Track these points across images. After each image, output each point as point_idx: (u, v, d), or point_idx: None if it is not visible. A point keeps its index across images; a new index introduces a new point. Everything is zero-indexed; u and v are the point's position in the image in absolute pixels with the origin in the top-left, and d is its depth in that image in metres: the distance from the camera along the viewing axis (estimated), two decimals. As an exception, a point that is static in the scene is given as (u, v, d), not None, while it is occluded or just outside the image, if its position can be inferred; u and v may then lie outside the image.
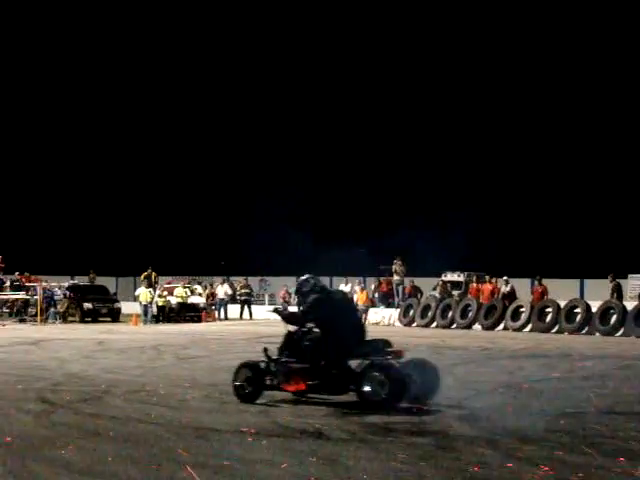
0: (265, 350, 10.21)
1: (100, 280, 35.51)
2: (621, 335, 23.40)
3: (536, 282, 28.03)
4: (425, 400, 9.61)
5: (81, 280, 35.02)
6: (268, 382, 10.00)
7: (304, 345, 9.95)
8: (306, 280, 10.42)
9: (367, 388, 9.37)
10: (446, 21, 44.00)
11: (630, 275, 30.57)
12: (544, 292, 27.08)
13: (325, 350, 9.75)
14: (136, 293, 31.61)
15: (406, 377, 9.44)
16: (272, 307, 10.85)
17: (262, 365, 10.12)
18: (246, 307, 32.82)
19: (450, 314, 27.69)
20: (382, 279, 32.14)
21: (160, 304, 30.28)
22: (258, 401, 9.89)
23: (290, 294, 33.64)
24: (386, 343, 10.00)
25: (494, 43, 42.64)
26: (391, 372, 9.43)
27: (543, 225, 39.96)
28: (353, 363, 9.82)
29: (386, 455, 6.94)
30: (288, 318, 10.55)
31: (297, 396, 9.98)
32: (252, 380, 9.96)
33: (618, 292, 25.92)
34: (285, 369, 9.94)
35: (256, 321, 30.97)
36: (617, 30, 40.43)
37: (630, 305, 24.65)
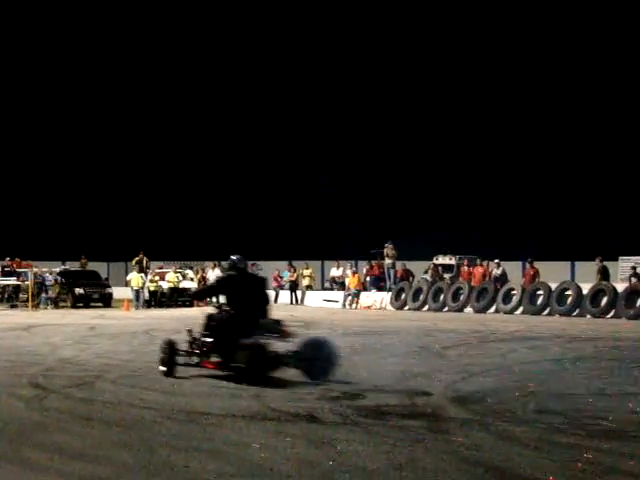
0: (189, 331, 11.05)
1: (92, 265, 35.46)
2: (612, 317, 23.53)
3: (528, 265, 28.12)
4: (323, 376, 10.18)
5: (72, 265, 34.95)
6: (192, 360, 10.78)
7: (211, 325, 10.77)
8: (230, 260, 11.20)
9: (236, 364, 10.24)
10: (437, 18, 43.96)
11: (620, 257, 30.70)
12: (536, 274, 27.17)
13: (223, 329, 10.54)
14: (127, 278, 31.58)
15: (262, 352, 10.11)
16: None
17: (184, 344, 10.92)
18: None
19: (442, 297, 27.77)
20: (374, 263, 32.18)
21: (152, 289, 30.26)
22: (250, 385, 9.91)
23: (282, 277, 33.68)
24: (276, 322, 10.78)
25: (483, 34, 42.63)
26: (254, 349, 10.13)
27: (534, 208, 40.04)
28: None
29: (378, 438, 6.96)
30: (196, 294, 11.36)
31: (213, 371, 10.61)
32: (171, 357, 10.74)
33: (604, 274, 26.07)
34: (201, 347, 10.73)
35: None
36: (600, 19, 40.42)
37: (621, 287, 24.78)
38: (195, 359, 10.74)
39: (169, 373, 10.66)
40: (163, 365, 10.84)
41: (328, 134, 44.68)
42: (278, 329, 10.63)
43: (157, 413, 8.07)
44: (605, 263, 26.70)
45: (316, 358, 10.31)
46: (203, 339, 10.73)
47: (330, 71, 45.05)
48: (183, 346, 10.94)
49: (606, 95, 39.77)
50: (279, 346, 10.53)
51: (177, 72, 47.29)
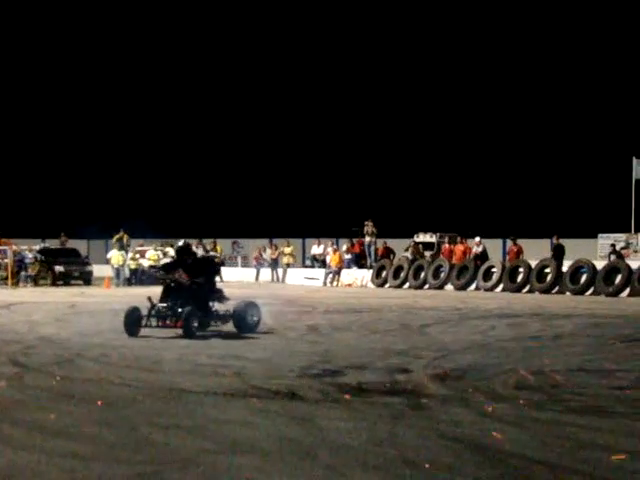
0: (149, 298, 13.14)
1: (72, 243, 35.25)
2: (591, 294, 23.73)
3: (510, 242, 28.30)
4: (253, 328, 13.57)
5: (52, 243, 34.72)
6: (151, 323, 12.95)
7: (179, 293, 13.20)
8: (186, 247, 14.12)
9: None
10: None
11: (600, 234, 30.92)
12: (519, 252, 27.35)
13: (193, 296, 13.13)
14: (108, 256, 31.45)
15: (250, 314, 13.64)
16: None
17: (144, 310, 13.07)
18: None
19: (422, 275, 27.88)
20: (354, 240, 32.23)
21: (132, 267, 30.15)
22: (232, 362, 9.95)
23: (261, 255, 33.67)
24: (221, 291, 13.82)
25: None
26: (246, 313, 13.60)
27: (514, 185, 40.19)
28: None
29: (359, 415, 6.99)
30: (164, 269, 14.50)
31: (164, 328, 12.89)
32: (135, 320, 13.00)
33: (558, 253, 26.45)
34: (160, 312, 13.02)
35: (230, 283, 31.00)
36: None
37: (600, 264, 24.98)
38: (153, 322, 12.96)
39: (132, 333, 12.82)
40: (127, 328, 12.93)
41: (309, 110, 44.53)
42: (220, 296, 13.68)
43: (138, 391, 8.07)
44: (583, 240, 27.04)
45: (246, 317, 13.54)
46: (162, 304, 13.14)
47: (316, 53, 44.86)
48: (144, 311, 13.04)
49: (585, 69, 39.86)
50: (219, 307, 13.66)
51: (163, 54, 46.91)
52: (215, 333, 13.33)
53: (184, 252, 13.90)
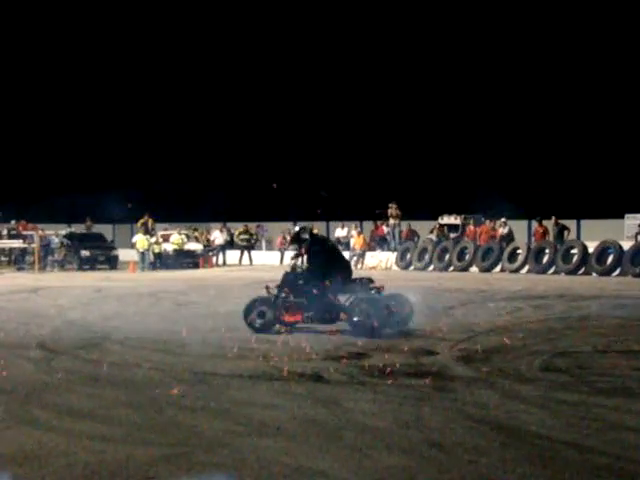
0: (267, 288, 11.76)
1: (97, 228, 35.46)
2: (617, 275, 23.54)
3: (536, 223, 28.14)
4: (403, 327, 11.30)
5: (78, 228, 34.95)
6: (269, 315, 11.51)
7: (301, 283, 11.57)
8: (303, 229, 12.27)
9: (356, 318, 11.01)
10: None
11: (626, 215, 30.61)
12: (545, 232, 27.20)
13: (319, 287, 11.41)
14: (133, 240, 31.63)
15: (387, 307, 11.14)
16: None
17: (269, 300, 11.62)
18: (246, 253, 32.93)
19: (447, 257, 27.79)
20: (379, 223, 32.16)
21: (156, 251, 30.32)
22: (257, 345, 10.00)
23: (287, 240, 33.71)
24: (369, 280, 11.78)
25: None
26: (376, 304, 11.10)
27: (540, 166, 39.86)
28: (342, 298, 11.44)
29: (384, 397, 7.00)
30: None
31: (290, 326, 11.52)
32: (264, 313, 11.50)
33: (560, 235, 26.45)
34: (284, 303, 11.50)
35: (255, 266, 31.09)
36: None
37: (627, 245, 24.76)
38: (276, 314, 11.48)
39: (261, 329, 11.36)
40: (255, 322, 11.47)
41: (331, 90, 44.36)
42: (372, 286, 11.64)
43: (164, 374, 8.13)
44: (606, 221, 26.97)
45: (400, 310, 11.36)
46: (285, 295, 11.57)
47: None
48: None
49: (608, 51, 39.37)
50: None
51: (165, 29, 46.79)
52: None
53: (299, 236, 12.08)
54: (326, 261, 11.64)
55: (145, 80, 46.80)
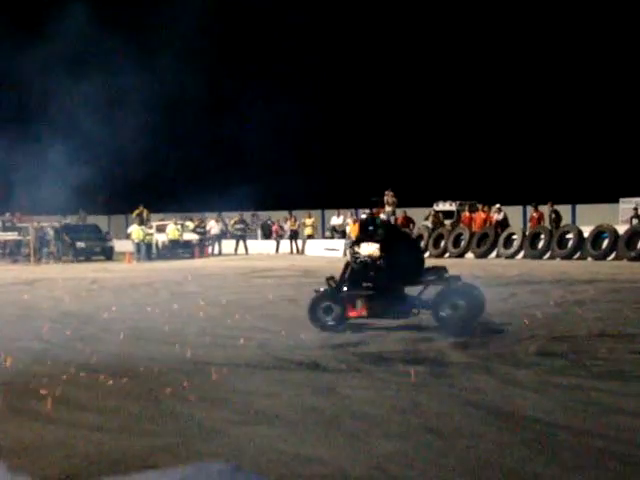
0: (329, 279, 10.77)
1: (92, 219, 35.43)
2: (613, 259, 23.58)
3: (532, 209, 28.19)
4: (475, 321, 10.23)
5: (73, 220, 34.90)
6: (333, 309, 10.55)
7: (369, 274, 10.55)
8: (372, 217, 11.37)
9: (444, 312, 10.19)
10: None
11: (621, 199, 30.65)
12: (541, 218, 27.24)
13: (389, 278, 10.45)
14: (128, 231, 31.60)
15: (481, 300, 10.29)
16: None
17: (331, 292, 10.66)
18: (241, 242, 32.93)
19: (443, 243, 27.81)
20: (374, 210, 32.16)
21: (152, 242, 30.29)
22: (255, 335, 10.01)
23: (282, 227, 33.68)
24: (444, 269, 10.75)
25: None
26: (469, 296, 10.28)
27: (535, 151, 39.87)
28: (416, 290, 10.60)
29: (382, 384, 7.03)
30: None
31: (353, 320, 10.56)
32: (331, 309, 10.54)
33: (556, 220, 26.57)
34: (349, 296, 10.52)
35: (251, 256, 31.09)
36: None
37: (621, 229, 24.80)
38: (339, 308, 10.56)
39: (323, 326, 10.45)
40: (313, 317, 10.60)
41: (326, 78, 44.22)
42: (448, 275, 10.68)
43: (162, 364, 8.14)
44: (601, 205, 27.06)
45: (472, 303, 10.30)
46: (350, 287, 10.61)
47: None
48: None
49: (603, 40, 39.33)
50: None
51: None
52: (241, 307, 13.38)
53: (370, 224, 11.09)
54: (409, 257, 10.66)
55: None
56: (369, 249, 10.73)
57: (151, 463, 4.95)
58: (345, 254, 30.57)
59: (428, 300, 10.45)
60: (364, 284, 10.51)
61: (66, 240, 29.91)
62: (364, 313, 10.44)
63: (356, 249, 10.94)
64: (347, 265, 10.87)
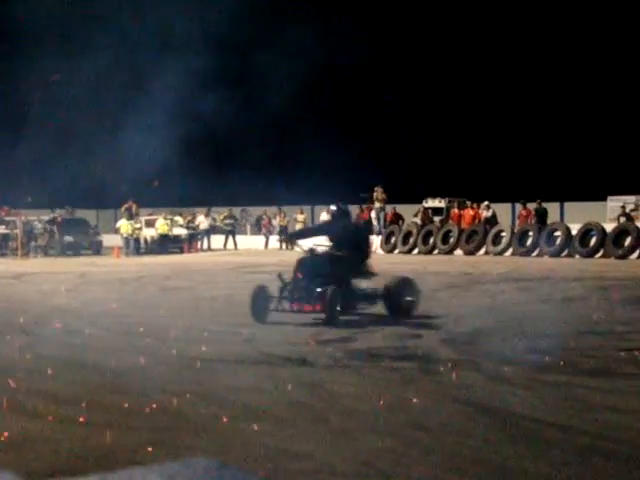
0: (280, 275, 10.78)
1: (81, 213, 35.25)
2: (601, 257, 23.68)
3: (521, 206, 28.28)
4: (410, 311, 10.88)
5: (61, 214, 34.70)
6: (284, 307, 10.56)
7: (321, 268, 10.54)
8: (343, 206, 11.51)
9: (394, 302, 10.76)
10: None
11: (609, 197, 30.78)
12: (529, 215, 27.33)
13: (339, 272, 10.58)
14: (117, 225, 31.51)
15: (418, 290, 11.05)
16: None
17: (274, 289, 10.72)
18: (230, 237, 32.88)
19: (432, 240, 27.85)
20: (364, 207, 32.18)
21: (142, 236, 30.22)
22: (242, 330, 9.99)
23: (271, 223, 33.65)
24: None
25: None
26: (411, 287, 11.01)
27: (523, 149, 39.94)
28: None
29: (370, 380, 7.03)
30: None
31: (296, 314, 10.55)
32: (264, 303, 10.60)
33: (541, 217, 26.70)
34: (301, 290, 10.50)
35: (240, 251, 31.06)
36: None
37: (609, 227, 24.91)
38: (286, 305, 10.55)
39: (260, 319, 10.47)
40: (255, 312, 10.58)
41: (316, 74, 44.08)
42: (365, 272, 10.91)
43: (149, 359, 8.11)
44: (589, 203, 27.20)
45: (401, 297, 10.82)
46: (303, 282, 10.53)
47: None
48: (274, 292, 10.70)
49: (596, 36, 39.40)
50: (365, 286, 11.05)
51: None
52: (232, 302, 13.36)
53: (340, 215, 11.20)
54: (357, 250, 10.81)
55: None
56: (314, 242, 10.96)
57: (138, 459, 4.93)
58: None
59: (377, 292, 10.81)
60: (317, 278, 10.44)
61: (58, 234, 29.77)
62: (319, 308, 10.32)
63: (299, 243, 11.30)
64: (300, 260, 10.83)
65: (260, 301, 10.58)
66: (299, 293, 10.45)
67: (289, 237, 11.28)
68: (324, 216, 33.19)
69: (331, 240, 10.94)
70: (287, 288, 10.58)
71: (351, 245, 10.76)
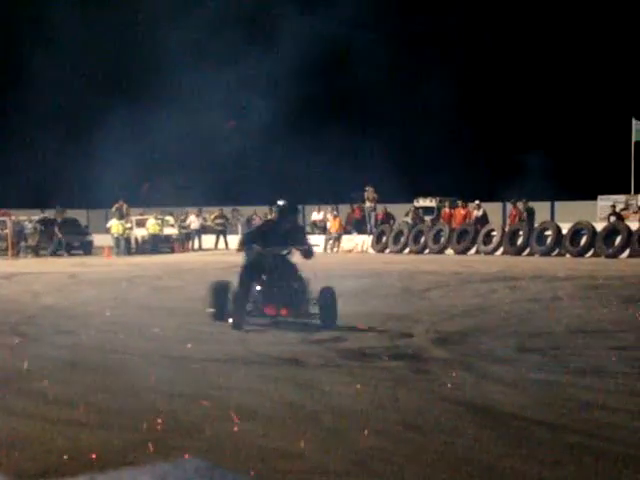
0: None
1: (71, 213, 35.13)
2: (591, 256, 23.76)
3: (511, 205, 28.37)
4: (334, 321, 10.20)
5: (51, 214, 34.59)
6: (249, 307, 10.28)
7: (264, 269, 10.33)
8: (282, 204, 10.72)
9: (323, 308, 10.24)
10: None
11: (599, 196, 30.87)
12: (520, 215, 27.42)
13: (281, 273, 10.27)
14: (107, 225, 31.44)
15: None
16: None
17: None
18: (221, 237, 32.84)
19: (422, 240, 27.90)
20: (355, 206, 32.21)
21: (132, 236, 30.16)
22: (233, 330, 9.98)
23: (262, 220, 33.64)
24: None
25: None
26: (333, 294, 10.32)
27: (513, 148, 40.01)
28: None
29: (361, 380, 7.03)
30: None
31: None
32: (222, 301, 10.42)
33: (529, 217, 26.85)
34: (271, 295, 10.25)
35: (231, 251, 31.02)
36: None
37: (599, 226, 25.00)
38: (254, 306, 10.29)
39: (220, 317, 10.36)
40: (213, 308, 10.49)
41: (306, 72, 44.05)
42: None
43: (141, 359, 8.11)
44: (579, 202, 27.34)
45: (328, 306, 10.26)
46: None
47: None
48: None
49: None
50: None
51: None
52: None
53: (288, 213, 10.73)
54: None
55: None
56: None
57: (129, 459, 4.92)
58: (326, 249, 30.62)
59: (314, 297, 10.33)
60: (260, 279, 10.24)
61: (59, 234, 29.61)
62: (282, 312, 10.13)
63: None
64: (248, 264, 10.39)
65: (223, 300, 10.39)
66: (268, 296, 10.12)
67: (245, 245, 10.49)
68: (315, 215, 33.25)
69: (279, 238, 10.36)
70: (261, 290, 10.22)
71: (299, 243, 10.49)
